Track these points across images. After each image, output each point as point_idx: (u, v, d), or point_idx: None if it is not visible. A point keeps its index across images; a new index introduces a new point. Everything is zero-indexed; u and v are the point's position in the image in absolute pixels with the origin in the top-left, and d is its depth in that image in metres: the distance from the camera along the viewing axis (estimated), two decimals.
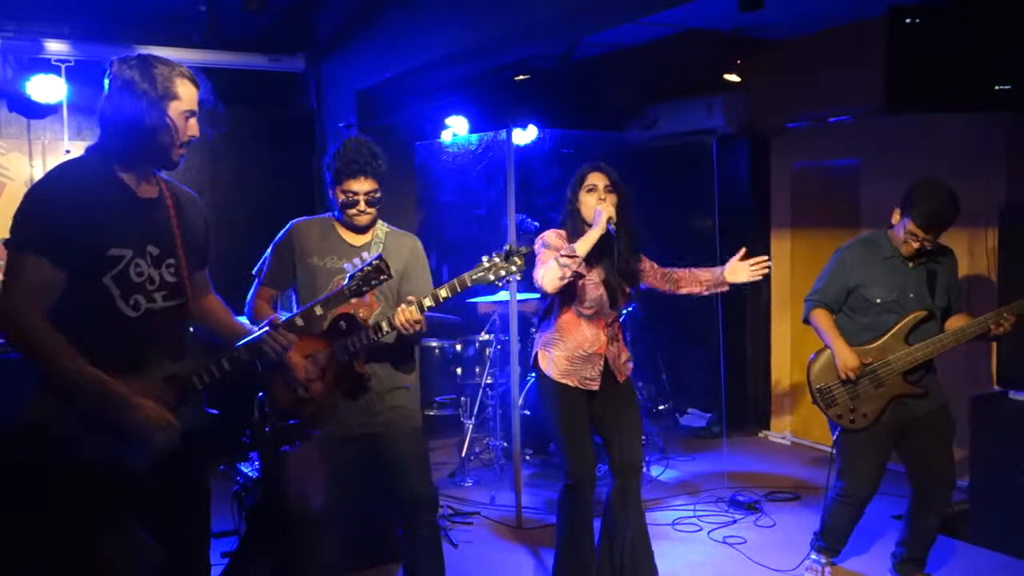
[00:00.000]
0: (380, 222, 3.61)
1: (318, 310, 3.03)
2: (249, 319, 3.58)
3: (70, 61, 5.36)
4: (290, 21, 5.92)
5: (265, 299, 3.61)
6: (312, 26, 5.87)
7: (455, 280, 3.27)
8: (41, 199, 2.53)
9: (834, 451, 4.15)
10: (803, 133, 6.73)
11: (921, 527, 4.10)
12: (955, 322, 4.02)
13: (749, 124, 6.76)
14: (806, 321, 4.19)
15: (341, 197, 3.45)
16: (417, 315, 3.26)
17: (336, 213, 3.54)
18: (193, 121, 2.66)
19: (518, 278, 3.41)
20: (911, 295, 3.98)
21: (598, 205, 3.75)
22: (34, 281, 2.48)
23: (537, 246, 3.88)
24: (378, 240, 3.56)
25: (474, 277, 3.25)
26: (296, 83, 6.06)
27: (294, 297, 3.62)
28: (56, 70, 5.32)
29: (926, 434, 4.02)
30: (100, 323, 2.57)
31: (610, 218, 3.68)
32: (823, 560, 4.30)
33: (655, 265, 4.07)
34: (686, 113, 6.80)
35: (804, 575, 4.35)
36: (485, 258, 3.25)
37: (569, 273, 3.67)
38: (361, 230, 3.54)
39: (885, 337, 3.99)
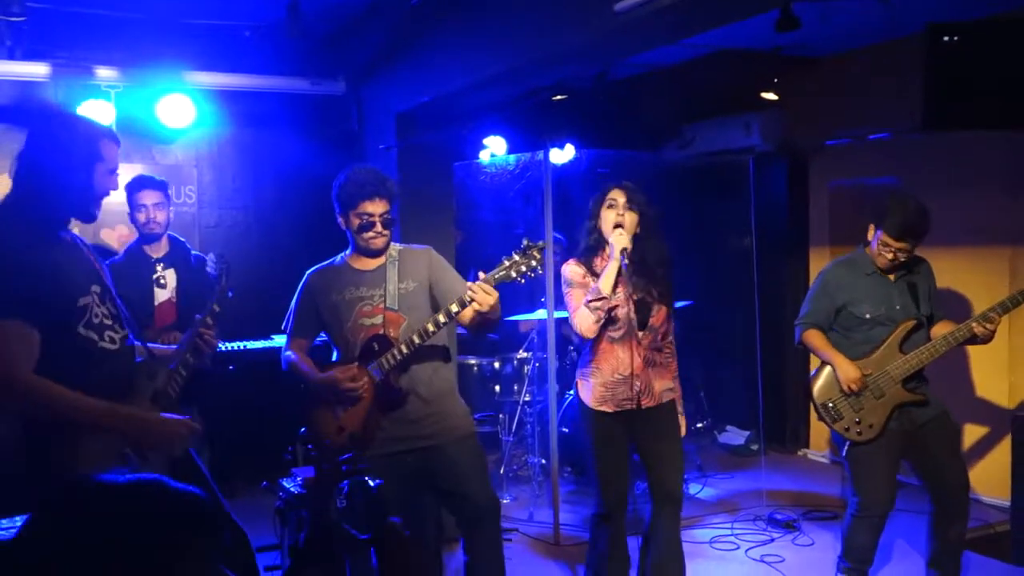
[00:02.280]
0: (393, 243, 3.69)
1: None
2: (288, 369, 3.70)
3: (119, 87, 5.50)
4: (331, 46, 6.04)
5: (300, 349, 3.72)
6: (352, 50, 5.98)
7: (476, 282, 3.32)
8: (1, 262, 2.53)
9: (844, 468, 4.21)
10: (841, 151, 6.72)
11: (945, 541, 4.11)
12: (941, 328, 4.11)
13: (786, 142, 6.76)
14: (799, 344, 4.26)
15: (356, 221, 3.54)
16: (487, 285, 3.26)
17: (349, 247, 3.65)
18: (115, 177, 2.80)
19: (539, 271, 3.46)
20: (897, 307, 4.08)
21: (615, 231, 3.77)
22: (17, 346, 2.49)
23: (563, 288, 3.94)
24: (392, 259, 3.63)
25: (497, 276, 3.30)
26: (337, 106, 6.17)
27: (330, 340, 3.71)
28: (106, 95, 5.47)
29: (932, 441, 4.08)
30: (90, 366, 2.63)
31: (623, 249, 3.72)
32: None
33: (666, 325, 4.00)
34: (723, 132, 6.82)
35: None
36: (505, 258, 3.32)
37: (603, 314, 3.74)
38: (376, 254, 3.61)
39: (881, 348, 4.08)
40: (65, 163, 2.66)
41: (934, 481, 4.11)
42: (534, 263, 3.30)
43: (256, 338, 5.12)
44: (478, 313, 3.34)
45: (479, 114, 6.06)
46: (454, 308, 3.35)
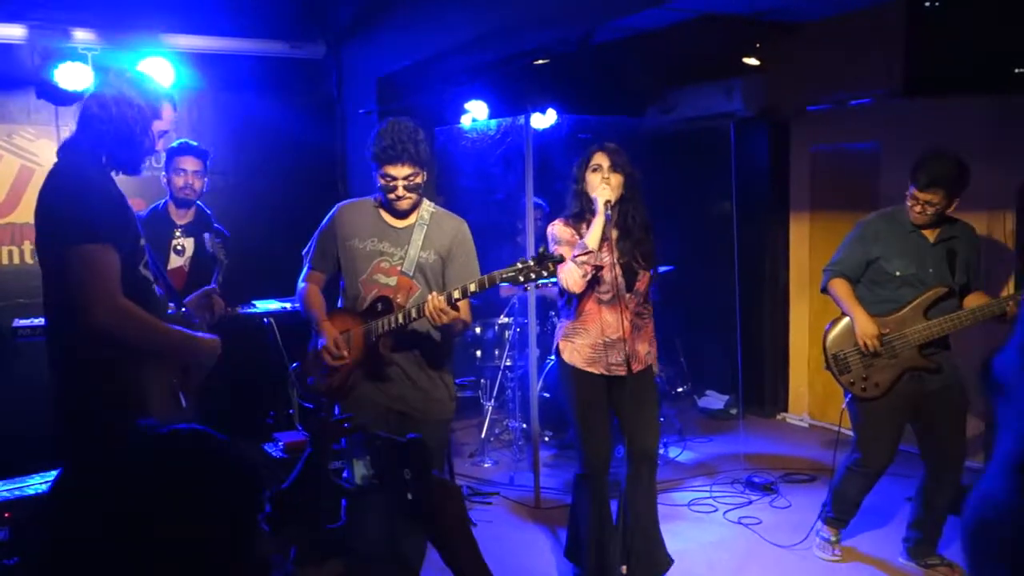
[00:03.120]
0: (426, 202, 3.59)
1: None
2: (299, 301, 3.67)
3: (96, 49, 5.44)
4: (310, 8, 5.98)
5: (316, 282, 3.66)
6: (332, 13, 5.93)
7: (485, 276, 3.28)
8: (89, 192, 2.67)
9: (851, 420, 4.23)
10: (822, 116, 6.73)
11: (933, 506, 4.15)
12: (973, 300, 4.07)
13: (768, 108, 6.76)
14: (824, 290, 4.25)
15: (381, 182, 3.45)
16: (444, 304, 3.23)
17: (380, 196, 3.55)
18: (163, 140, 2.93)
19: (548, 284, 3.46)
20: (931, 270, 4.04)
21: (599, 185, 3.79)
22: (112, 270, 2.63)
23: (551, 244, 3.93)
24: (422, 222, 3.55)
25: (505, 276, 3.24)
26: (317, 70, 6.13)
27: (341, 284, 3.68)
28: (83, 58, 5.40)
29: (939, 410, 4.09)
30: (148, 306, 2.78)
31: (607, 202, 3.72)
32: (831, 536, 4.37)
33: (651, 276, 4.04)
34: (705, 97, 6.81)
35: (813, 553, 4.41)
36: (520, 261, 3.25)
37: (590, 269, 3.74)
38: (403, 214, 3.54)
39: (905, 309, 4.06)
40: (129, 114, 2.78)
41: (932, 450, 4.14)
42: (546, 274, 3.24)
43: (236, 303, 5.11)
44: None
45: (461, 78, 6.03)
46: (413, 313, 3.33)
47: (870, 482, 4.22)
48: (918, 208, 3.98)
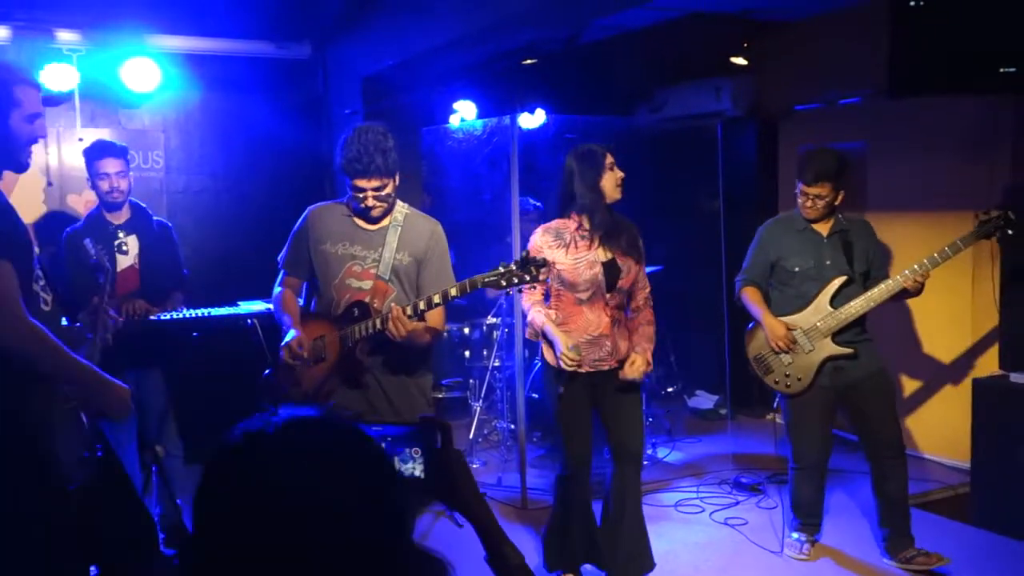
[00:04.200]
0: (400, 204, 3.55)
1: None
2: (275, 307, 3.64)
3: (81, 50, 5.43)
4: (295, 7, 5.97)
5: (291, 287, 3.64)
6: (318, 12, 5.92)
7: (467, 280, 3.24)
8: None
9: (783, 420, 4.39)
10: (810, 116, 6.72)
11: (887, 498, 4.24)
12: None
13: (756, 107, 6.77)
14: (738, 299, 4.40)
15: (351, 191, 3.42)
16: (405, 321, 3.20)
17: (352, 202, 3.51)
18: (40, 121, 2.72)
19: (530, 288, 3.47)
20: (828, 262, 4.22)
21: (563, 355, 3.74)
22: (10, 286, 2.48)
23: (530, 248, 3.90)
24: (396, 224, 3.50)
25: (486, 280, 3.22)
26: (303, 70, 6.12)
27: (310, 286, 3.65)
28: (68, 59, 5.39)
29: (867, 397, 4.22)
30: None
31: (572, 346, 3.74)
32: (804, 537, 4.39)
33: (642, 281, 4.07)
34: (694, 96, 6.81)
35: (785, 553, 4.43)
36: (502, 265, 3.23)
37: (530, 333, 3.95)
38: (375, 220, 3.50)
39: (811, 304, 4.23)
40: None
41: (868, 438, 4.26)
42: (528, 279, 3.21)
43: (222, 304, 5.10)
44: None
45: (448, 78, 6.03)
46: (378, 324, 3.30)
47: (814, 478, 4.32)
48: (808, 203, 4.19)
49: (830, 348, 4.18)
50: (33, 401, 2.56)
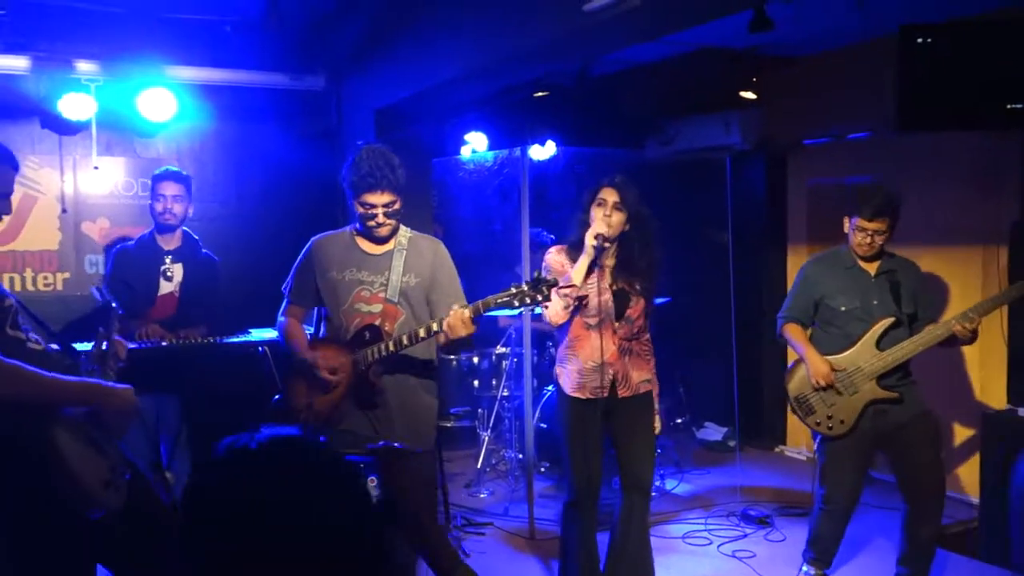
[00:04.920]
0: (403, 228, 3.59)
1: None
2: (280, 334, 3.69)
3: (99, 80, 5.51)
4: (310, 40, 6.05)
5: (296, 316, 3.68)
6: (332, 45, 6.00)
7: (480, 301, 3.28)
8: None
9: (817, 459, 4.27)
10: (819, 150, 6.78)
11: (917, 541, 4.14)
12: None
13: (765, 140, 6.82)
14: (780, 337, 4.31)
15: (360, 209, 3.44)
16: (467, 317, 3.22)
17: (357, 224, 3.55)
18: (6, 202, 2.80)
19: (544, 308, 3.49)
20: (875, 302, 4.12)
21: (600, 222, 3.81)
22: None
23: (542, 271, 3.95)
24: (400, 247, 3.54)
25: (499, 300, 3.26)
26: (317, 101, 6.19)
27: (322, 312, 3.68)
28: (86, 89, 5.47)
29: (910, 442, 4.11)
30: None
31: (597, 235, 3.74)
32: (814, 571, 4.35)
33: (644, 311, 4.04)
34: (703, 130, 6.87)
35: None
36: (514, 285, 3.27)
37: (572, 301, 3.78)
38: (382, 241, 3.54)
39: (857, 344, 4.11)
40: None
41: (910, 482, 4.13)
42: (540, 298, 3.26)
43: (234, 333, 5.13)
44: (447, 338, 3.30)
45: (459, 110, 6.09)
46: (434, 326, 3.30)
47: (840, 520, 4.23)
48: (868, 239, 4.07)
49: (875, 392, 4.07)
50: (28, 427, 2.55)
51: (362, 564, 1.24)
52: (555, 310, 3.82)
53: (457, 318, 3.22)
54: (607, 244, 3.80)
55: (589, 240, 3.75)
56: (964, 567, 4.74)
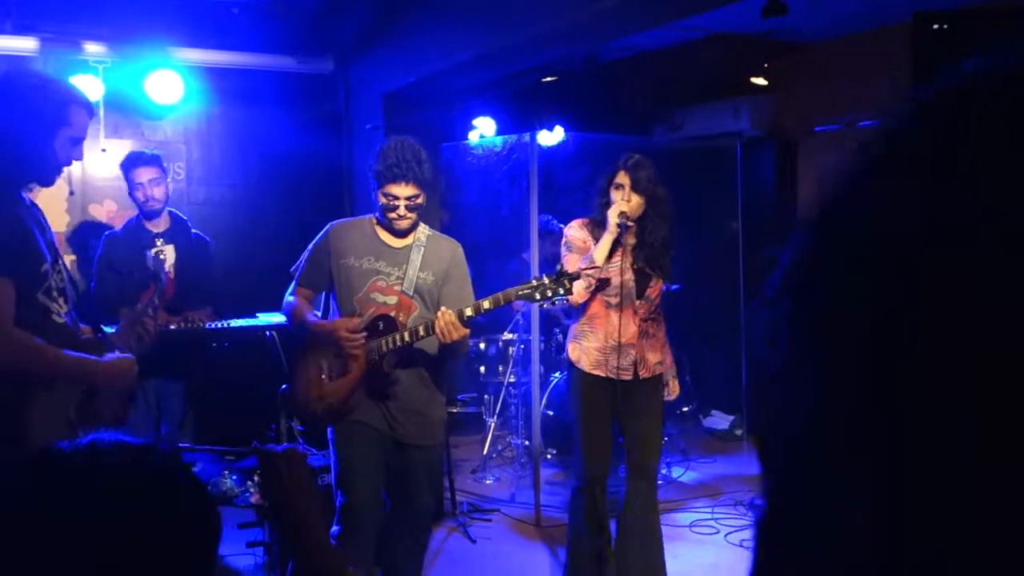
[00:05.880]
0: (422, 225, 3.58)
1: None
2: (286, 316, 3.66)
3: (107, 62, 5.48)
4: (318, 24, 6.02)
5: (304, 298, 3.65)
6: (340, 28, 5.97)
7: (499, 293, 3.28)
8: None
9: None
10: (830, 137, 6.72)
11: None
12: None
13: (775, 128, 6.77)
14: None
15: (382, 200, 3.41)
16: (455, 319, 3.22)
17: (378, 215, 3.54)
18: (80, 148, 2.74)
19: (566, 301, 3.48)
20: None
21: (618, 204, 3.79)
22: (4, 300, 2.50)
23: (562, 249, 3.94)
24: (419, 243, 3.52)
25: (520, 292, 3.26)
26: (325, 85, 6.16)
27: (332, 298, 3.66)
28: (94, 70, 5.45)
29: None
30: (46, 335, 2.62)
31: (621, 213, 3.72)
32: None
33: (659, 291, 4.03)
34: (712, 116, 6.83)
35: None
36: (535, 278, 3.28)
37: (593, 281, 3.75)
38: (402, 234, 3.52)
39: None
40: (28, 123, 2.61)
41: None
42: (561, 291, 3.26)
43: (241, 316, 5.12)
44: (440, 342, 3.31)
45: (468, 95, 6.06)
46: (420, 331, 3.31)
47: None
48: None
49: None
50: (31, 413, 2.56)
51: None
52: (577, 289, 3.79)
53: (446, 320, 3.22)
54: (630, 223, 3.78)
55: (613, 219, 3.72)
56: None
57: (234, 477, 4.71)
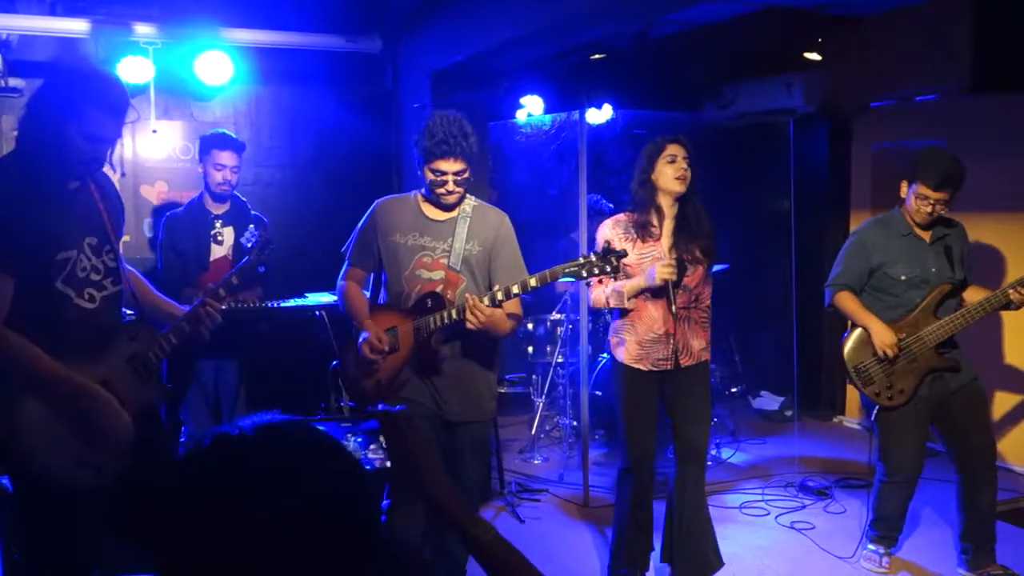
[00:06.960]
0: (469, 197, 3.55)
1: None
2: (339, 298, 3.67)
3: (157, 43, 5.52)
4: (367, 3, 6.01)
5: (356, 280, 3.64)
6: (389, 7, 5.95)
7: (547, 271, 3.26)
8: None
9: (873, 432, 4.18)
10: (885, 113, 6.56)
11: (976, 512, 4.05)
12: (972, 294, 4.07)
13: (829, 104, 6.63)
14: (829, 306, 4.20)
15: (430, 176, 3.39)
16: (483, 308, 3.20)
17: (424, 190, 3.52)
18: (101, 147, 2.67)
19: (613, 279, 3.44)
20: (933, 269, 4.02)
21: (663, 266, 3.67)
22: None
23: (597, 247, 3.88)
24: (464, 215, 3.50)
25: (567, 270, 3.23)
26: (373, 64, 6.15)
27: (383, 275, 3.65)
28: (144, 52, 5.49)
29: (962, 407, 4.04)
30: (61, 321, 2.62)
31: (665, 279, 3.66)
32: (881, 550, 4.26)
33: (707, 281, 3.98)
34: (764, 92, 6.70)
35: (861, 564, 4.31)
36: (582, 256, 3.26)
37: (615, 304, 3.81)
38: (448, 208, 3.50)
39: (915, 312, 4.02)
40: (45, 112, 2.59)
41: (960, 448, 4.07)
42: (608, 269, 3.24)
43: (290, 296, 5.15)
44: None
45: (516, 73, 6.00)
46: (454, 314, 3.29)
47: (904, 494, 4.14)
48: (928, 208, 3.94)
49: (934, 360, 3.98)
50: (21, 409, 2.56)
51: (358, 551, 1.19)
52: (600, 299, 3.84)
53: (472, 309, 3.19)
54: (673, 279, 3.71)
55: (658, 278, 3.65)
56: None
57: (358, 439, 4.79)
